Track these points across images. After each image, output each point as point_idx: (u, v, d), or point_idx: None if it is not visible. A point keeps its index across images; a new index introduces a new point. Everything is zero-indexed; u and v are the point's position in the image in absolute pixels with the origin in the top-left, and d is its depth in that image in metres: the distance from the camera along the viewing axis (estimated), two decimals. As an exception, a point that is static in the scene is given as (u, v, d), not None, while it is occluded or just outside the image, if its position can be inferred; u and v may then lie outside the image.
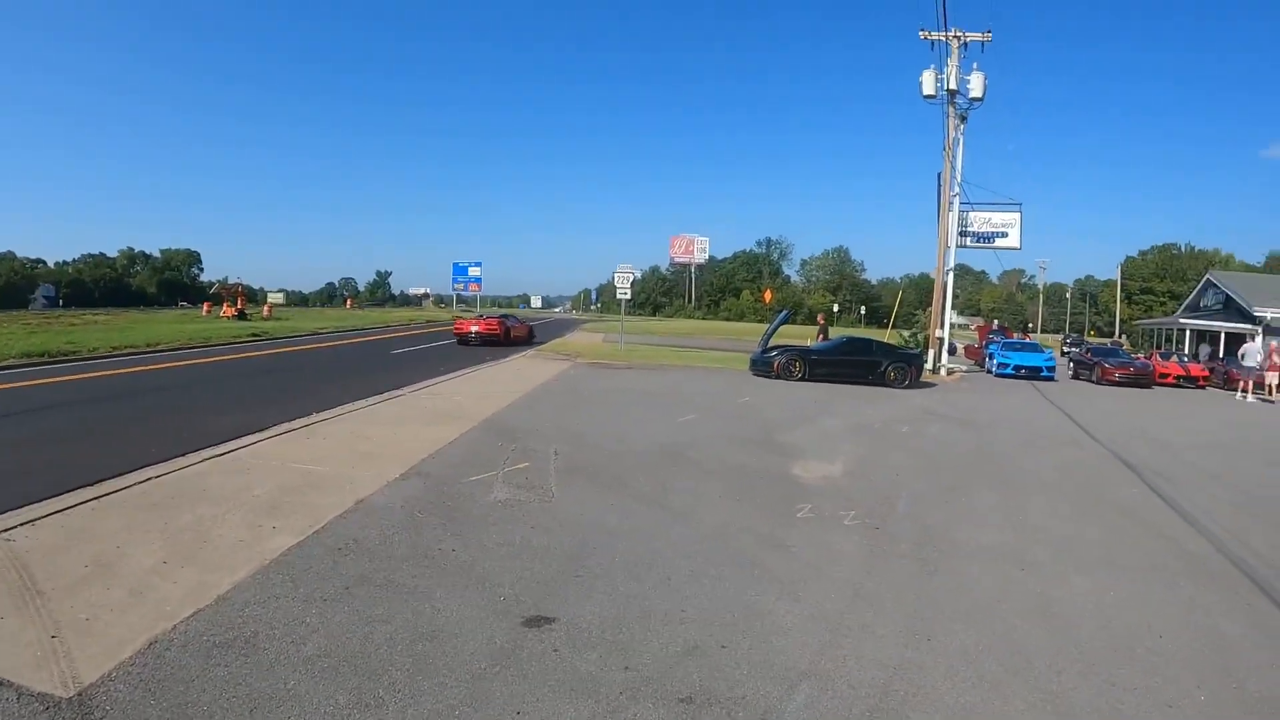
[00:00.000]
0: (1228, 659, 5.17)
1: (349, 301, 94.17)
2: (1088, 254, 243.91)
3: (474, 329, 32.68)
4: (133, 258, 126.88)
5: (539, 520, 7.23)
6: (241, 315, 45.79)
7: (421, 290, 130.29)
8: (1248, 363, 26.07)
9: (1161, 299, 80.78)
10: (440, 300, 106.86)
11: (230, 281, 71.70)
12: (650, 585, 5.81)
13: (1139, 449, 13.45)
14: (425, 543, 6.43)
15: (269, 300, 78.68)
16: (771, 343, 24.42)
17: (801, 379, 21.91)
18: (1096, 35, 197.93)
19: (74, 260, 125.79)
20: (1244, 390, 25.68)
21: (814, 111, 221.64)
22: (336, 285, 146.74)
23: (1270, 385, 25.48)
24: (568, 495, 8.17)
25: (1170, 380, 29.72)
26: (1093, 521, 8.40)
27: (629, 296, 32.15)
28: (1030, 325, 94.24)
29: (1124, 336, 68.37)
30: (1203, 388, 29.87)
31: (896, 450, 12.09)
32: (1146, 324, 59.15)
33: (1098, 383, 28.65)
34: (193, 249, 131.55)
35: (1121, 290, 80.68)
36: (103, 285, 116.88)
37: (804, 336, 33.45)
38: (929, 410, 17.60)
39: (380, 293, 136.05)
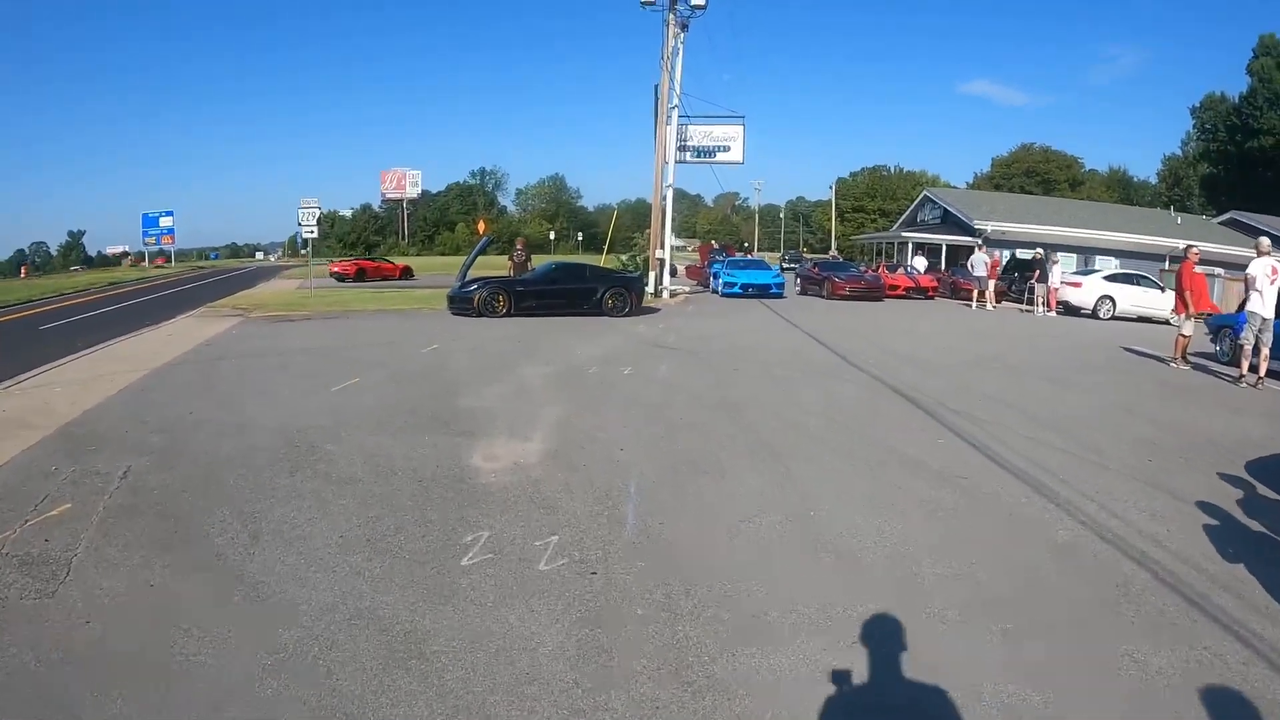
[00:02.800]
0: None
1: (24, 270, 78.01)
2: (798, 176, 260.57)
3: (336, 269, 42.51)
4: None
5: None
6: None
7: (120, 249, 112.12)
8: (978, 272, 26.55)
9: (873, 216, 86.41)
10: (141, 257, 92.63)
11: None
12: None
13: (909, 375, 11.55)
14: None
15: None
16: (471, 274, 21.24)
17: (507, 314, 18.97)
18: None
19: None
20: (978, 299, 26.08)
21: (526, 24, 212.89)
22: (28, 251, 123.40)
23: (989, 294, 26.29)
24: (87, 577, 4.49)
25: (900, 292, 30.10)
26: (914, 507, 5.83)
27: (315, 234, 29.17)
28: (746, 244, 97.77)
29: (838, 252, 72.00)
30: (931, 298, 30.49)
31: (615, 405, 9.11)
32: (866, 239, 62.09)
33: (828, 298, 28.31)
34: None
35: (835, 208, 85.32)
36: None
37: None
38: (654, 342, 15.01)
39: (74, 254, 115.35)
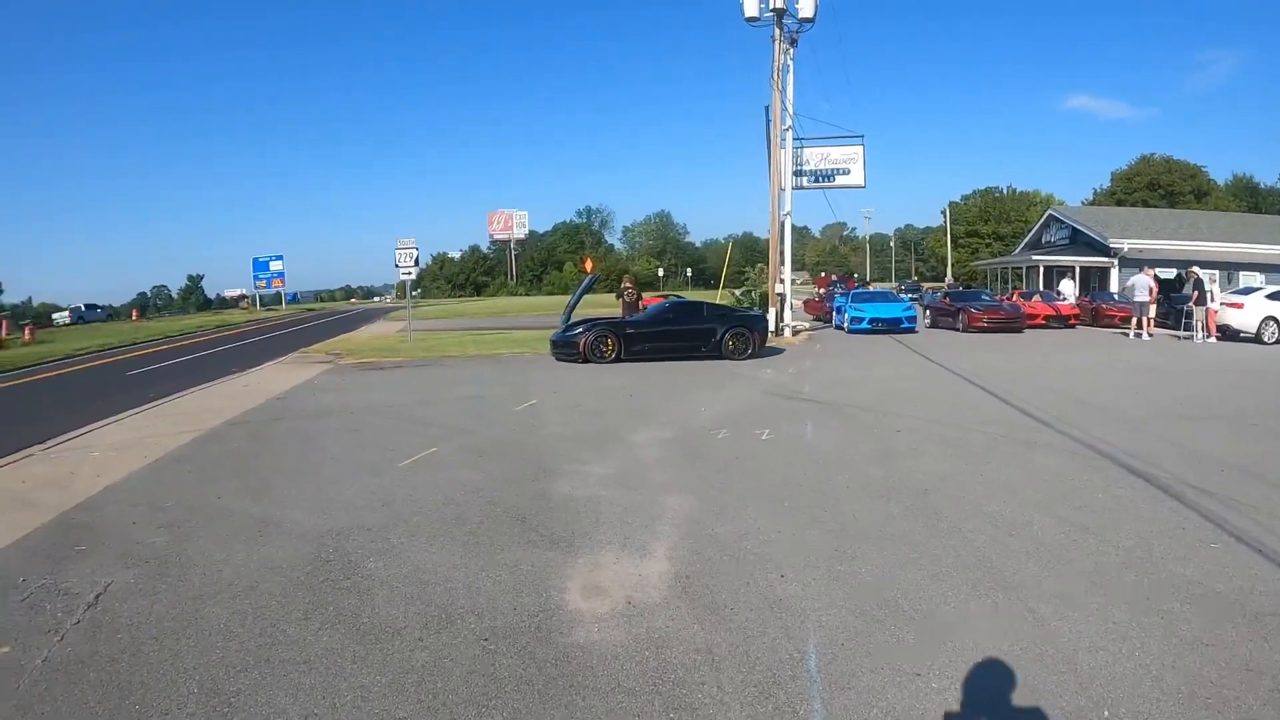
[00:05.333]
0: None
1: (135, 313, 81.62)
2: (905, 203, 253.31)
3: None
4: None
5: None
6: None
7: (237, 291, 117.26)
8: (1139, 297, 22.93)
9: (987, 241, 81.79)
10: (258, 300, 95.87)
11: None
12: None
13: (1110, 433, 9.13)
14: None
15: (53, 319, 66.97)
16: (577, 315, 19.60)
17: (616, 359, 17.30)
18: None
19: None
20: (1139, 328, 22.80)
21: (627, 56, 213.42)
22: (149, 294, 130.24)
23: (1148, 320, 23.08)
24: None
25: (1039, 321, 27.13)
26: (1245, 685, 3.55)
27: (413, 276, 27.18)
28: (856, 275, 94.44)
29: (954, 279, 68.46)
30: (1073, 326, 27.47)
31: (760, 493, 6.97)
32: (987, 264, 58.18)
33: (964, 331, 25.54)
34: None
35: (949, 234, 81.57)
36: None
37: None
38: (789, 392, 12.90)
39: (194, 298, 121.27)
